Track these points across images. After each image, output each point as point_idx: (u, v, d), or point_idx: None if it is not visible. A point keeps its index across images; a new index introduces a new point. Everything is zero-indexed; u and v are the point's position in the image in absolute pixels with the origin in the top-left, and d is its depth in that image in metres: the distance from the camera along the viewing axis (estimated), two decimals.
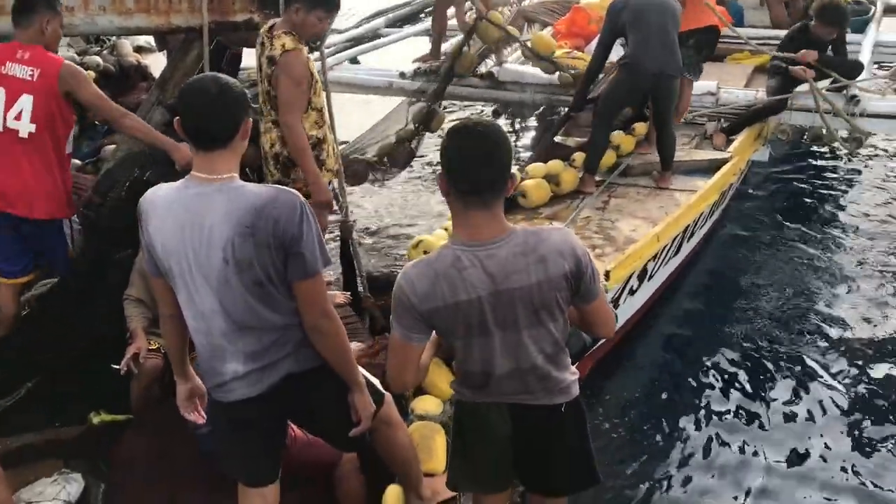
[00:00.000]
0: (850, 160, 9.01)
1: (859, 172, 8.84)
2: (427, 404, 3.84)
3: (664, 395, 5.24)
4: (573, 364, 2.84)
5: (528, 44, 7.16)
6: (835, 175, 8.81)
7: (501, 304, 2.56)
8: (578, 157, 6.20)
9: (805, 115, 6.86)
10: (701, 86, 7.08)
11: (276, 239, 2.53)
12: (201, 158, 2.59)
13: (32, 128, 4.15)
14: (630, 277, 5.00)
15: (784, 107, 6.83)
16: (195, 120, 2.57)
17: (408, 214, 7.93)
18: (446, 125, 6.93)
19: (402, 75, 7.69)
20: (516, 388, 2.71)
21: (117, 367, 3.93)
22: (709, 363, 5.53)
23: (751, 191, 8.16)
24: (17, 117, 4.13)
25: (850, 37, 8.07)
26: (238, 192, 2.56)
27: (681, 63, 5.89)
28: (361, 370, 3.02)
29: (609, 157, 6.24)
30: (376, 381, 3.11)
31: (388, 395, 3.15)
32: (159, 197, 2.65)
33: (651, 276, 5.49)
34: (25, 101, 4.12)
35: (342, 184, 5.30)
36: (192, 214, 2.57)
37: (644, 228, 5.32)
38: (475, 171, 2.49)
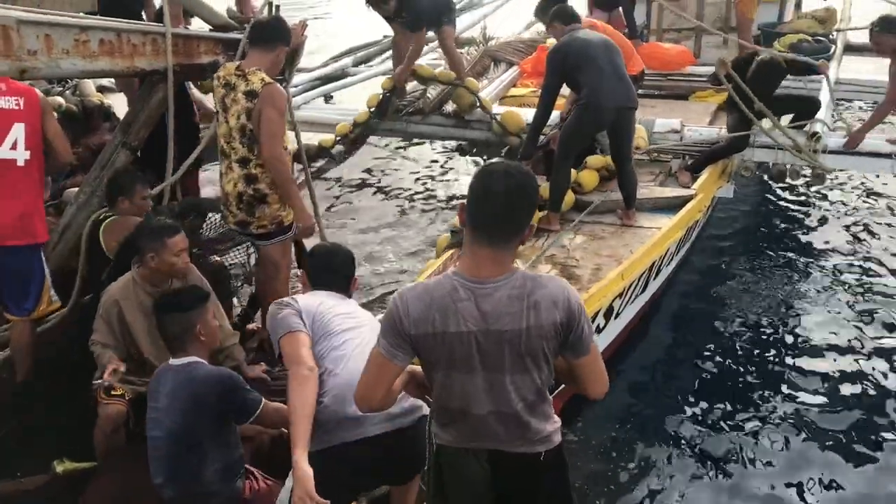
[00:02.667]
0: (809, 190, 9.23)
1: (820, 201, 9.04)
2: None
3: (635, 429, 5.28)
4: None
5: (498, 118, 7.33)
6: (797, 205, 9.01)
7: (489, 344, 2.57)
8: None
9: (767, 151, 7.02)
10: (665, 123, 7.30)
11: None
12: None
13: (28, 154, 4.31)
14: (596, 315, 5.05)
15: (745, 144, 7.01)
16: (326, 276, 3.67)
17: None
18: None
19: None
20: (494, 433, 2.70)
21: (98, 381, 3.99)
22: (682, 394, 5.60)
23: (716, 228, 8.30)
24: (13, 147, 4.27)
25: (811, 75, 8.36)
26: None
27: (635, 95, 5.99)
28: None
29: (569, 196, 6.28)
30: None
31: None
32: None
33: (618, 315, 5.54)
34: (18, 130, 4.27)
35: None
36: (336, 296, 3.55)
37: (609, 267, 5.37)
38: (491, 216, 2.53)
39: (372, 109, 7.81)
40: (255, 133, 4.57)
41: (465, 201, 2.61)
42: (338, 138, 7.87)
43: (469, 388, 2.65)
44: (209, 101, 6.16)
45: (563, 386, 3.60)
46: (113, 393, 4.11)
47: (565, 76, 6.01)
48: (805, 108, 7.17)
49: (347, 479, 3.31)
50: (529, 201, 2.57)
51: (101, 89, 7.50)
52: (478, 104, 7.46)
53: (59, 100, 7.01)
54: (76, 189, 5.47)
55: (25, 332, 4.59)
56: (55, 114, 6.49)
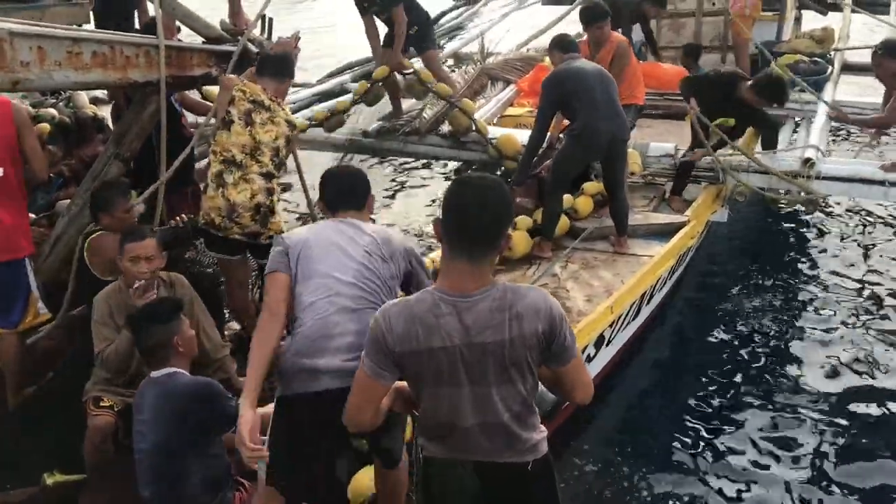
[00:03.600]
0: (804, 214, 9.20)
1: (816, 225, 9.01)
2: None
3: (627, 447, 5.29)
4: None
5: (494, 142, 7.30)
6: (793, 228, 8.97)
7: (474, 357, 2.59)
8: (566, 200, 6.37)
9: (762, 177, 6.95)
10: (659, 147, 7.28)
11: (406, 251, 3.44)
12: (343, 212, 3.52)
13: (1, 171, 4.29)
14: (586, 347, 5.04)
15: (699, 158, 6.97)
16: (331, 190, 3.60)
17: None
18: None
19: (365, 134, 7.83)
20: (482, 445, 2.71)
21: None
22: (674, 415, 5.59)
23: (711, 251, 8.26)
24: None
25: (806, 96, 8.39)
26: (375, 226, 3.53)
27: (628, 126, 6.06)
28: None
29: (563, 221, 6.32)
30: None
31: None
32: (311, 225, 3.68)
33: (609, 342, 5.54)
34: None
35: None
36: (340, 228, 3.41)
37: (599, 298, 5.37)
38: (466, 228, 2.55)
39: (356, 98, 7.77)
40: (285, 157, 5.04)
41: (439, 216, 2.64)
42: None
43: (456, 401, 2.66)
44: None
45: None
46: (102, 404, 4.14)
47: (560, 103, 6.08)
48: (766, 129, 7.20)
49: (307, 432, 3.20)
50: (504, 211, 2.60)
51: (95, 101, 7.54)
52: (474, 128, 7.44)
53: (53, 111, 7.04)
54: (68, 201, 5.49)
55: (13, 344, 4.59)
56: (46, 126, 6.65)
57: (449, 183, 2.75)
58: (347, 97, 8.01)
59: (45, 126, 6.66)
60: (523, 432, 2.72)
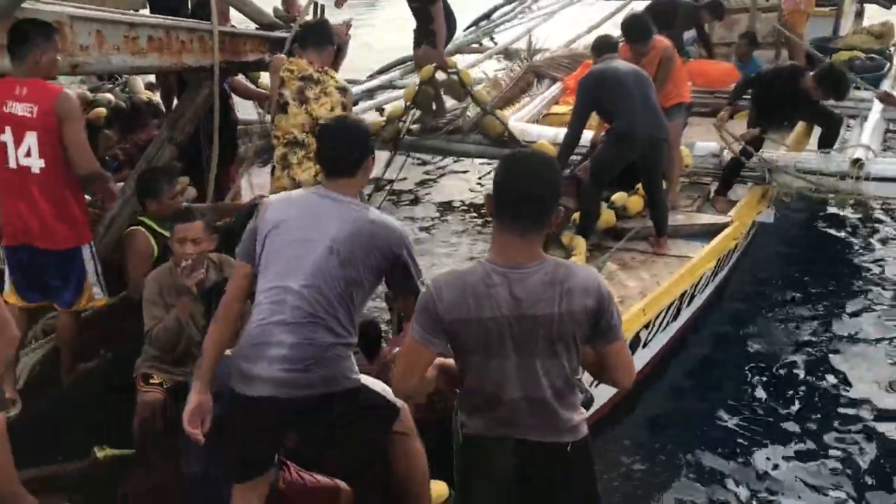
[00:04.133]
0: (855, 215, 9.06)
1: (868, 226, 8.87)
2: None
3: (666, 448, 5.29)
4: None
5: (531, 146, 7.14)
6: (843, 230, 8.82)
7: (523, 329, 2.63)
8: (618, 197, 6.38)
9: (809, 177, 6.79)
10: (704, 147, 7.21)
11: (388, 250, 3.10)
12: (331, 183, 3.19)
13: (42, 163, 4.30)
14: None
15: (750, 154, 6.85)
16: (329, 154, 3.23)
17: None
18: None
19: (409, 132, 7.85)
20: (524, 420, 2.73)
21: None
22: (712, 420, 5.57)
23: (757, 253, 8.17)
24: (27, 154, 4.28)
25: (862, 93, 8.26)
26: (360, 207, 3.16)
27: (667, 126, 6.01)
28: (378, 383, 3.30)
29: (609, 216, 6.31)
30: (390, 395, 3.26)
31: (404, 406, 3.37)
32: (289, 193, 3.31)
33: (646, 344, 5.53)
34: (31, 139, 4.26)
35: None
36: (315, 208, 3.12)
37: (633, 299, 5.35)
38: (517, 202, 2.61)
39: (408, 104, 7.77)
40: None
41: (491, 192, 2.69)
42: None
43: (502, 373, 2.70)
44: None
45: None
46: (151, 381, 4.25)
47: (596, 104, 6.09)
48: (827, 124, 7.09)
49: (239, 432, 3.14)
50: (554, 186, 2.66)
51: (150, 87, 7.67)
52: (506, 134, 7.42)
53: (109, 96, 7.20)
54: (122, 184, 5.60)
55: (68, 322, 4.69)
56: (103, 110, 6.79)
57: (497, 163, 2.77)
58: (399, 103, 8.00)
59: (102, 110, 6.82)
60: (564, 411, 2.75)
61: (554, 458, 2.78)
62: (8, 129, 4.26)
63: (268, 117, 5.67)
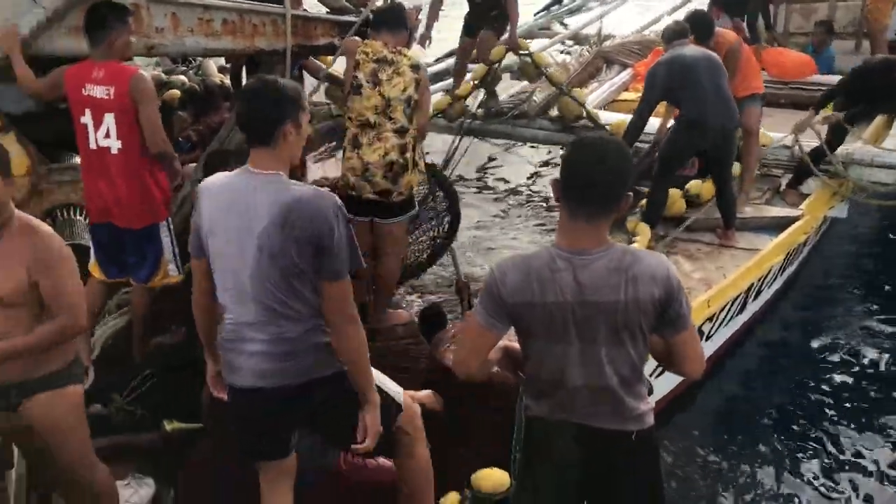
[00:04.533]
0: None
1: None
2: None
3: (727, 442, 5.26)
4: None
5: (608, 128, 7.18)
6: None
7: (586, 315, 2.62)
8: (693, 185, 6.33)
9: (888, 172, 6.66)
10: (776, 138, 7.10)
11: (306, 233, 2.77)
12: (254, 153, 2.89)
13: (119, 144, 4.41)
14: None
15: (835, 146, 6.71)
16: (250, 114, 2.89)
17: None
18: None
19: (473, 116, 7.89)
20: (587, 407, 2.74)
21: None
22: (777, 415, 5.55)
23: (829, 249, 8.02)
24: (106, 135, 4.40)
25: None
26: (280, 186, 2.83)
27: (738, 115, 5.92)
28: (384, 377, 3.30)
29: (680, 204, 6.27)
30: (398, 391, 3.31)
31: (415, 407, 3.40)
32: (215, 182, 2.98)
33: (709, 337, 5.48)
34: (109, 120, 4.37)
35: None
36: (239, 199, 2.85)
37: (698, 290, 5.29)
38: (584, 187, 2.59)
39: (476, 82, 7.82)
40: (415, 105, 4.98)
41: (557, 177, 2.67)
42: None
43: (564, 359, 2.70)
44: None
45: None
46: None
47: (665, 94, 6.01)
48: None
49: (241, 418, 3.15)
50: (624, 171, 2.62)
51: (223, 70, 7.82)
52: (584, 115, 7.40)
53: (183, 78, 7.35)
54: (194, 165, 5.73)
55: (142, 297, 4.82)
56: (177, 92, 6.93)
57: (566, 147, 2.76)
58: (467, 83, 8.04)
59: (176, 92, 6.97)
60: (630, 399, 2.73)
61: (617, 445, 2.77)
62: (88, 111, 4.38)
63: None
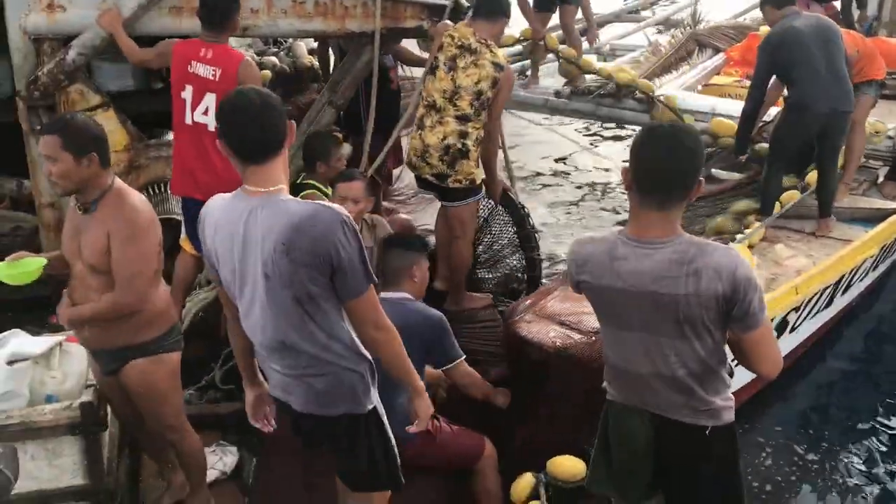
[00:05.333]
0: None
1: None
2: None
3: (810, 442, 5.18)
4: None
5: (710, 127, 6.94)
6: None
7: (644, 305, 2.62)
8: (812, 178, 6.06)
9: None
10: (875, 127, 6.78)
11: (314, 257, 2.56)
12: (248, 172, 2.65)
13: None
14: None
15: None
16: (243, 135, 2.61)
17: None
18: None
19: (557, 94, 7.89)
20: (656, 396, 2.75)
21: None
22: (856, 420, 5.40)
23: None
24: (205, 112, 4.56)
25: None
26: (279, 208, 2.61)
27: (853, 96, 5.61)
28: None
29: (791, 196, 5.99)
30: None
31: (494, 455, 3.87)
32: (215, 207, 2.79)
33: (794, 329, 5.35)
34: (210, 100, 4.52)
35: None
36: (238, 228, 2.66)
37: (786, 278, 5.12)
38: (657, 174, 2.57)
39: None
40: (488, 100, 4.93)
41: (627, 164, 2.66)
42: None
43: (626, 345, 2.74)
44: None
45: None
46: None
47: (775, 69, 5.66)
48: None
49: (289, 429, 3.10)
50: (696, 159, 2.58)
51: (312, 52, 7.99)
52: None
53: (274, 60, 7.54)
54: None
55: (193, 265, 4.98)
56: (268, 73, 7.12)
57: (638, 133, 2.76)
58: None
59: (267, 73, 7.15)
60: (703, 393, 2.71)
61: (691, 439, 2.76)
62: (189, 87, 4.56)
63: None
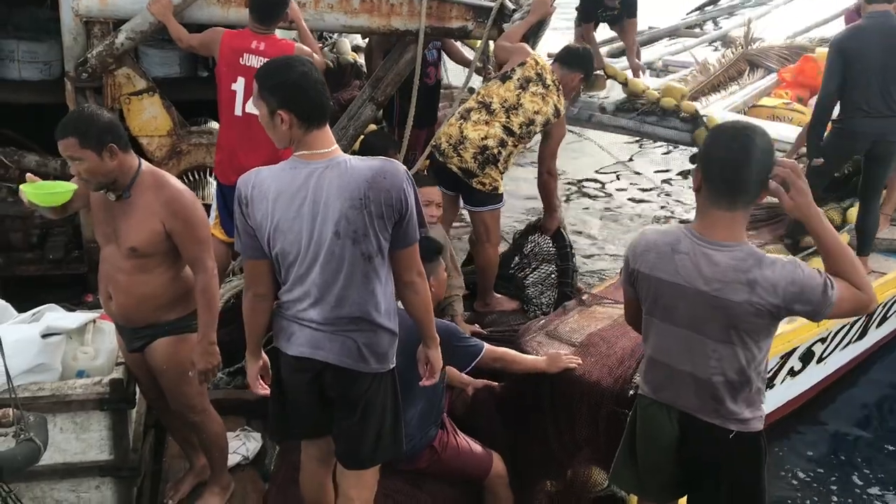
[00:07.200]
0: None
1: None
2: None
3: (833, 472, 5.23)
4: None
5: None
6: None
7: (697, 303, 2.72)
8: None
9: None
10: None
11: (388, 209, 2.82)
12: (310, 137, 2.85)
13: None
14: (789, 356, 4.89)
15: None
16: (309, 98, 2.82)
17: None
18: None
19: (602, 109, 7.97)
20: (687, 395, 2.83)
21: None
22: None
23: None
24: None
25: None
26: (347, 166, 2.85)
27: None
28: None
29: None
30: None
31: (504, 473, 3.88)
32: (267, 177, 2.93)
33: (821, 359, 5.33)
34: None
35: None
36: (304, 192, 2.84)
37: None
38: (731, 173, 2.66)
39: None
40: (534, 133, 5.24)
41: (697, 165, 2.76)
42: None
43: (669, 339, 2.83)
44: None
45: None
46: None
47: (842, 73, 5.27)
48: None
49: (295, 388, 3.18)
50: (767, 160, 2.66)
51: (356, 49, 8.11)
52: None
53: None
54: None
55: (225, 251, 5.06)
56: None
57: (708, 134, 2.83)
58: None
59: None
60: (732, 404, 2.79)
61: (715, 439, 2.83)
62: (241, 79, 4.70)
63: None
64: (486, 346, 3.96)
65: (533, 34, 5.64)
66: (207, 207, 5.01)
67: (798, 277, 2.62)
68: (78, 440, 3.63)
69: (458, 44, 7.25)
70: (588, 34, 8.25)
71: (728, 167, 2.66)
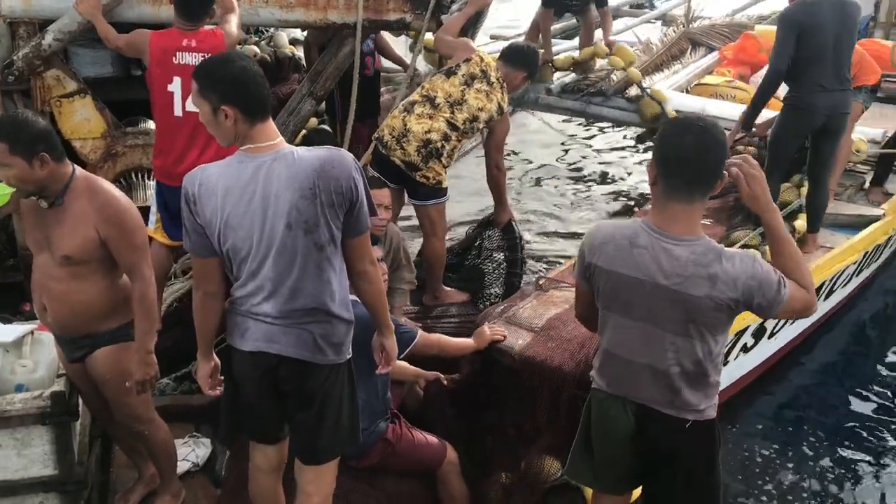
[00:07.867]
0: None
1: None
2: None
3: (788, 441, 5.32)
4: None
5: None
6: None
7: (656, 297, 2.74)
8: None
9: None
10: (864, 132, 6.69)
11: (338, 196, 2.85)
12: (254, 130, 2.87)
13: None
14: (742, 333, 4.97)
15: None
16: (251, 92, 2.84)
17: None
18: None
19: (549, 91, 7.96)
20: (647, 388, 2.86)
21: None
22: (833, 426, 5.53)
23: None
24: None
25: None
26: (295, 157, 2.87)
27: (851, 101, 5.43)
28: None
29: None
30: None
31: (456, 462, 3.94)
32: (213, 174, 2.92)
33: (772, 335, 5.43)
34: None
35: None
36: (253, 186, 2.85)
37: None
38: (686, 167, 2.68)
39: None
40: (477, 130, 5.37)
41: (652, 159, 2.77)
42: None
43: (626, 333, 2.86)
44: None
45: None
46: None
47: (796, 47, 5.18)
48: None
49: (250, 385, 3.14)
50: (722, 153, 2.70)
51: (294, 42, 8.06)
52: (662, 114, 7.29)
53: (255, 49, 7.60)
54: None
55: (166, 255, 5.01)
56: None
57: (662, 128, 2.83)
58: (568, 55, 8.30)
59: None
60: (689, 394, 2.83)
61: (671, 430, 2.88)
62: (177, 79, 4.64)
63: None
64: (420, 332, 4.02)
65: (472, 25, 5.65)
66: (146, 210, 4.96)
67: (757, 272, 2.68)
68: (19, 456, 3.56)
69: (390, 39, 7.24)
70: (545, 20, 8.18)
71: (683, 161, 2.68)
